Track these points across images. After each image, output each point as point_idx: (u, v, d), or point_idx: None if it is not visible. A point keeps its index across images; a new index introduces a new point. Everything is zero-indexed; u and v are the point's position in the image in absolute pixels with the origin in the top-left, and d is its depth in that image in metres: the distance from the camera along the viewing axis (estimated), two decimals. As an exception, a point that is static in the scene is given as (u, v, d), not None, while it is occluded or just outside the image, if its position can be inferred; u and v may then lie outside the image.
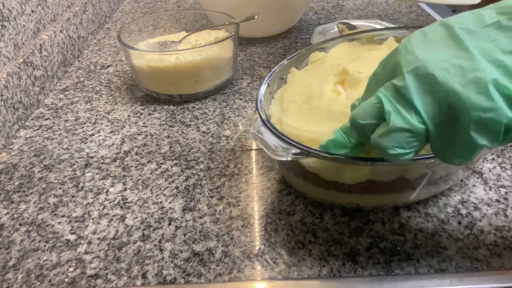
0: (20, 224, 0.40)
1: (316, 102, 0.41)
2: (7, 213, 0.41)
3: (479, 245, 0.36)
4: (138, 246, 0.37)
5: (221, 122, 0.54)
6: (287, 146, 0.34)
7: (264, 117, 0.37)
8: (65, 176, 0.46)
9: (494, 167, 0.44)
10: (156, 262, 0.36)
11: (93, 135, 0.53)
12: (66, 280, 0.35)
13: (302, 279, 0.34)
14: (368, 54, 0.46)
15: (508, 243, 0.35)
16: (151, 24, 0.66)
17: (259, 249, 0.36)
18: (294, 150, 0.33)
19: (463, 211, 0.39)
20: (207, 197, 0.42)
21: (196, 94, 0.58)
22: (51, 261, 0.36)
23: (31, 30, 0.61)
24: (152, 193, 0.43)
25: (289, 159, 0.33)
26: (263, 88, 0.41)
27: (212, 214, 0.40)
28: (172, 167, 0.46)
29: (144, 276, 0.34)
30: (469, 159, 0.26)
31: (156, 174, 0.45)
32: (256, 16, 0.63)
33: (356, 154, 0.32)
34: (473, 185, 0.42)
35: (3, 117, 0.51)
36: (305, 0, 0.76)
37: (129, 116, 0.56)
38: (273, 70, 0.44)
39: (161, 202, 0.42)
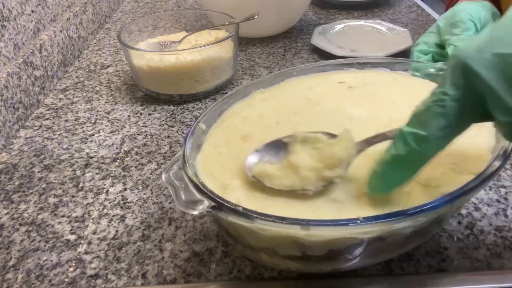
0: (20, 224, 0.40)
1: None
2: (7, 213, 0.41)
3: (479, 245, 0.36)
4: (138, 246, 0.37)
5: (221, 122, 0.54)
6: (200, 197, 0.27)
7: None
8: (65, 176, 0.46)
9: (494, 167, 0.44)
10: (156, 262, 0.36)
11: (93, 135, 0.53)
12: (66, 280, 0.35)
13: (302, 279, 0.34)
14: None
15: (508, 243, 0.35)
16: (151, 24, 0.66)
17: (259, 249, 0.36)
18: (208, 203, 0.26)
19: (463, 211, 0.39)
20: (207, 197, 0.42)
21: (196, 94, 0.58)
22: (51, 261, 0.36)
23: (31, 30, 0.61)
24: (152, 193, 0.43)
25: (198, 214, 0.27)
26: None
27: (212, 214, 0.40)
28: (172, 167, 0.46)
29: (144, 276, 0.34)
30: None
31: (156, 174, 0.45)
32: (256, 16, 0.63)
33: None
34: (473, 185, 0.42)
35: (3, 117, 0.51)
36: (305, 0, 0.76)
37: (129, 116, 0.56)
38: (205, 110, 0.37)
39: (161, 202, 0.42)
